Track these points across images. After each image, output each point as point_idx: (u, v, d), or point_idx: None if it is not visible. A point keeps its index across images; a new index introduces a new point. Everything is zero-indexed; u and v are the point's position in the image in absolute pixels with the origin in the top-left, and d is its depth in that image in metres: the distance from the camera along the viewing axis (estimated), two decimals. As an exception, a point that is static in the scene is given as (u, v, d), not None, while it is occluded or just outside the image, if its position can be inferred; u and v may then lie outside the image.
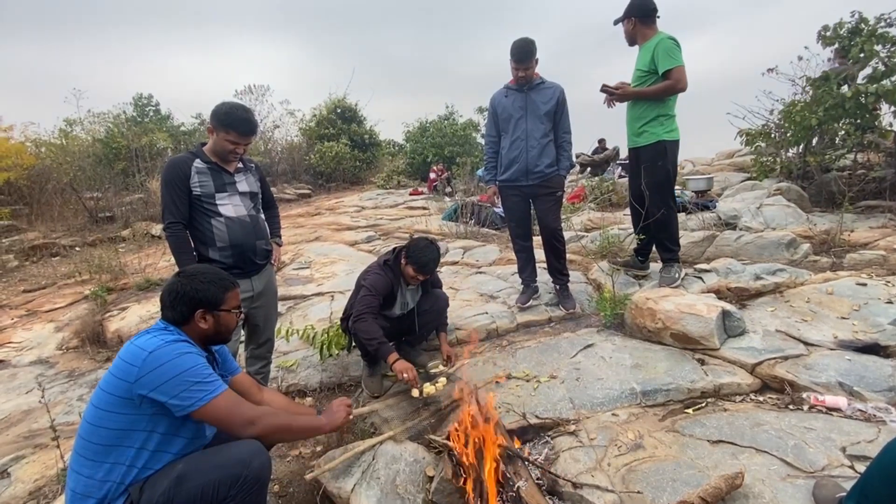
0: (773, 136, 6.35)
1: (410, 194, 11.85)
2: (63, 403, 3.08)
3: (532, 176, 3.01)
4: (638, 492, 1.69)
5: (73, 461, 1.33)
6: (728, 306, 2.53)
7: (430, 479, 1.88)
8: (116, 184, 10.30)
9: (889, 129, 5.18)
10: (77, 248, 7.98)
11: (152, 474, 1.32)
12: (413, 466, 1.90)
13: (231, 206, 2.19)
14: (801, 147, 6.04)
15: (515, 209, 3.19)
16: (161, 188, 2.15)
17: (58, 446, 2.19)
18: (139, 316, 4.32)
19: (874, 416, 1.95)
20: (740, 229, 4.28)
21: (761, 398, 2.22)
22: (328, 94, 16.75)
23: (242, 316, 1.59)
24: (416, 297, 2.78)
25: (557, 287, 3.25)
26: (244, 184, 2.28)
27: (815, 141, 5.77)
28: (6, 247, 7.51)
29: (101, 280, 5.67)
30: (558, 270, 3.19)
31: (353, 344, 2.74)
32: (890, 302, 2.63)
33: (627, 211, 6.52)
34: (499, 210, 6.86)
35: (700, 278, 3.12)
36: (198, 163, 2.14)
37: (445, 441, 2.00)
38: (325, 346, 3.05)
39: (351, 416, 2.03)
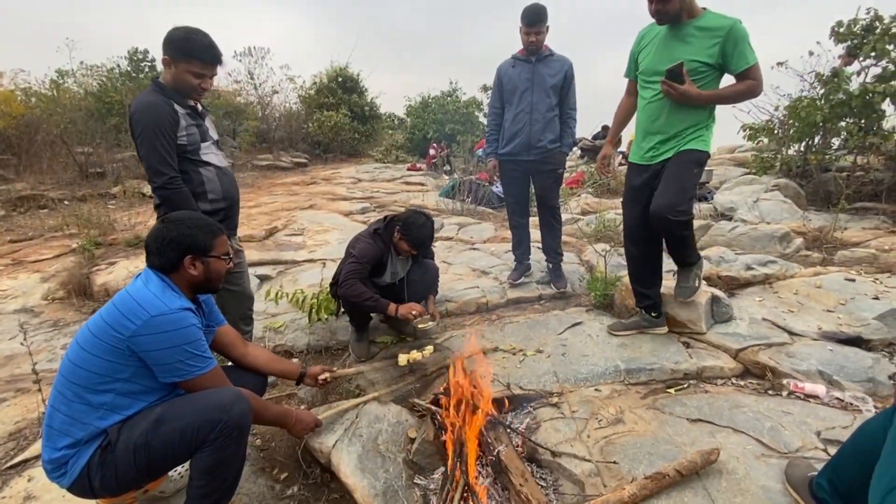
0: (776, 132, 6.33)
1: (408, 169, 11.73)
2: (47, 351, 3.06)
3: (534, 151, 2.97)
4: (614, 462, 1.72)
5: (52, 398, 1.32)
6: (717, 292, 2.54)
7: (412, 440, 1.90)
8: (108, 140, 10.05)
9: (892, 132, 5.17)
10: (66, 202, 7.84)
11: (131, 416, 1.31)
12: (395, 427, 1.92)
13: (214, 156, 2.05)
14: (802, 145, 6.03)
15: (514, 184, 3.15)
16: (146, 138, 1.84)
17: (39, 390, 2.18)
18: (128, 271, 4.27)
19: (851, 404, 1.99)
20: (735, 221, 4.29)
21: (742, 382, 2.26)
22: (330, 61, 16.37)
23: (231, 264, 1.56)
24: (407, 266, 2.76)
25: (550, 266, 3.25)
26: (212, 129, 2.10)
27: (817, 139, 5.75)
28: (-7, 195, 7.36)
29: (90, 234, 5.58)
30: (553, 249, 3.19)
31: (342, 310, 2.73)
32: (876, 298, 2.66)
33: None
34: (496, 189, 6.81)
35: (692, 265, 3.13)
36: (178, 107, 1.91)
37: (430, 405, 2.02)
38: (314, 310, 3.04)
39: (336, 375, 2.05)
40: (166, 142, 1.87)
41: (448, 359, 2.35)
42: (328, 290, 3.26)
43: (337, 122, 14.36)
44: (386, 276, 2.65)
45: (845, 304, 2.67)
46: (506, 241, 4.65)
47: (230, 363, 1.80)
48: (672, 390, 2.20)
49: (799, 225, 4.01)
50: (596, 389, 2.20)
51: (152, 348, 1.28)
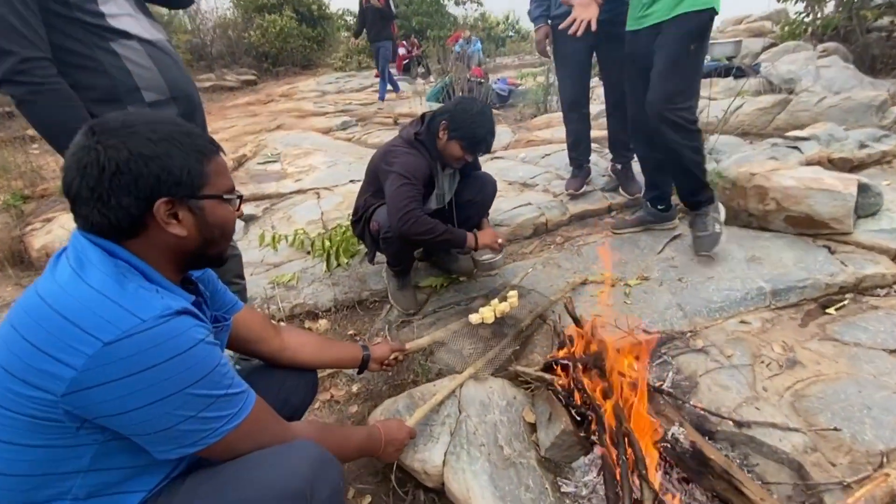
0: (810, -12, 5.48)
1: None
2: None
3: (604, 8, 2.14)
4: (835, 428, 1.23)
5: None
6: (865, 179, 1.98)
7: (532, 426, 1.37)
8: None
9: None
10: (-27, 151, 6.45)
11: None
12: (509, 413, 1.37)
13: (131, 20, 1.17)
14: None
15: (574, 59, 2.36)
16: None
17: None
18: (70, 227, 3.38)
19: None
20: (799, 93, 3.65)
21: (909, 290, 1.79)
22: (260, -49, 13.66)
23: (240, 209, 0.84)
24: (454, 184, 2.06)
25: (619, 166, 2.59)
26: None
27: (865, -9, 4.98)
28: None
29: (14, 187, 4.52)
30: (624, 144, 2.51)
31: (376, 250, 2.04)
32: None
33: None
34: (497, 86, 5.88)
35: (796, 148, 2.54)
36: None
37: (541, 373, 1.46)
38: (331, 255, 2.36)
39: (409, 351, 1.44)
40: None
41: (541, 304, 1.77)
42: (342, 228, 2.57)
43: (283, 26, 12.32)
44: (431, 200, 1.95)
45: None
46: (532, 144, 3.92)
47: (259, 362, 1.16)
48: (832, 310, 1.71)
49: (879, 92, 3.42)
50: (741, 321, 1.68)
51: (121, 409, 0.61)
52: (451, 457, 1.17)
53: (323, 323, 2.11)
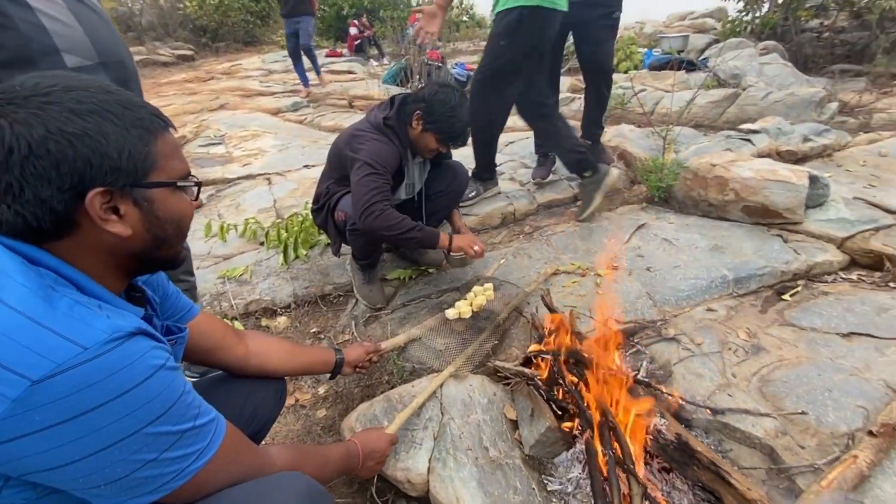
0: (751, -13, 5.77)
1: (328, 56, 9.84)
2: None
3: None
4: (802, 412, 1.28)
5: None
6: (814, 171, 2.09)
7: (514, 423, 1.33)
8: None
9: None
10: None
11: None
12: (490, 411, 1.32)
13: None
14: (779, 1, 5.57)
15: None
16: None
17: None
18: None
19: None
20: (743, 89, 3.84)
21: (853, 276, 1.91)
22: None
23: (199, 198, 0.70)
24: (424, 174, 1.96)
25: (590, 143, 2.58)
26: None
27: (800, -7, 5.31)
28: None
29: None
30: (596, 123, 2.50)
31: (341, 242, 1.91)
32: (950, 161, 2.39)
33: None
34: (455, 71, 5.77)
35: (748, 140, 2.65)
36: None
37: (521, 368, 1.42)
38: (289, 246, 2.19)
39: (385, 351, 1.35)
40: None
41: (516, 297, 1.73)
42: (297, 217, 2.41)
43: (222, -1, 11.47)
44: (400, 190, 1.84)
45: (918, 171, 2.38)
46: (495, 131, 3.86)
47: (218, 371, 1.03)
48: (787, 296, 1.80)
49: (817, 89, 3.66)
50: (708, 309, 1.73)
51: (58, 462, 0.49)
52: (437, 463, 1.10)
53: (282, 320, 1.96)
